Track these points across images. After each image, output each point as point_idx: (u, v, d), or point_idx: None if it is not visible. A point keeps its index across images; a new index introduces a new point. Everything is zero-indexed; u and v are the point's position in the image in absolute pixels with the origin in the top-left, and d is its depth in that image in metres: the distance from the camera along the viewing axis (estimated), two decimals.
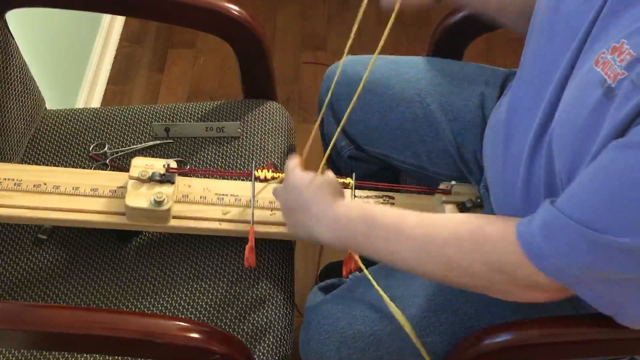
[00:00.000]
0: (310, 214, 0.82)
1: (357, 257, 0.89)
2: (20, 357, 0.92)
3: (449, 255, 0.74)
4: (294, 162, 0.87)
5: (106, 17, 2.03)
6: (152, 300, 0.98)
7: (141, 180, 0.95)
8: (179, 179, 0.99)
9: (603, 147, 0.64)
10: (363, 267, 0.87)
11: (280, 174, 0.98)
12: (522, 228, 0.70)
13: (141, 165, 0.96)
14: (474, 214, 0.80)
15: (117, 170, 1.10)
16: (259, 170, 0.98)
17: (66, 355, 0.93)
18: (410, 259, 0.77)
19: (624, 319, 0.74)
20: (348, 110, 0.88)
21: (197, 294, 0.98)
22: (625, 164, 0.61)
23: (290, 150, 1.19)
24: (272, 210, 0.98)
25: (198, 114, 1.20)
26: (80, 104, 1.78)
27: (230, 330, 0.95)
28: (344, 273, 0.97)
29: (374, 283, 0.84)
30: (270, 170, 0.98)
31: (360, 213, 0.79)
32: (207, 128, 1.15)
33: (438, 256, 0.75)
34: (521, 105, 0.83)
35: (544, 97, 0.77)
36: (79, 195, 0.97)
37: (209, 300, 0.98)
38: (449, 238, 0.74)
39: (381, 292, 0.83)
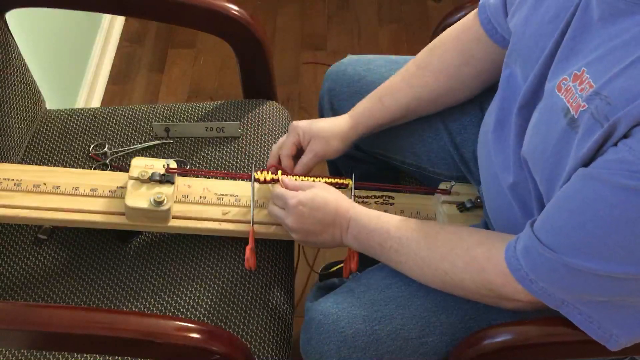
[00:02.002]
0: (341, 228, 0.90)
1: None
2: (20, 357, 0.92)
3: (444, 270, 0.81)
4: (291, 192, 0.92)
5: (106, 17, 2.03)
6: (152, 300, 0.98)
7: (141, 181, 0.95)
8: (178, 179, 0.99)
9: (572, 174, 0.68)
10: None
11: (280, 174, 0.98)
12: (509, 254, 0.75)
13: (141, 165, 0.96)
14: (469, 229, 0.86)
15: (117, 170, 1.10)
16: (259, 172, 0.98)
17: (66, 355, 0.93)
18: (414, 269, 0.85)
19: (615, 347, 0.76)
20: None
21: (197, 294, 0.98)
22: (589, 196, 0.65)
23: None
24: None
25: (198, 114, 1.20)
26: (80, 104, 1.78)
27: (230, 330, 0.95)
28: (345, 273, 0.97)
29: None
30: (270, 172, 0.98)
31: (377, 226, 0.87)
32: (207, 128, 1.15)
33: (437, 270, 0.82)
34: (506, 117, 0.86)
35: (513, 113, 0.82)
36: (78, 195, 0.97)
37: (209, 300, 0.98)
38: (446, 255, 0.81)
39: None
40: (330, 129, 0.99)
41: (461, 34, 0.98)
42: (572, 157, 0.68)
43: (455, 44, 0.98)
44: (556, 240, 0.70)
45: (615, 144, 0.64)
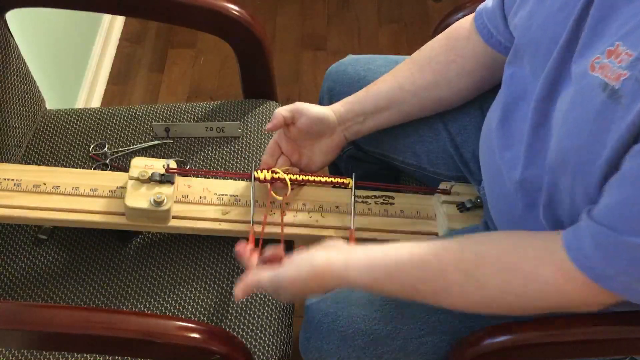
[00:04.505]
0: (328, 286, 0.80)
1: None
2: (20, 357, 0.92)
3: (506, 303, 0.75)
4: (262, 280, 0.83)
5: (106, 17, 2.03)
6: (152, 300, 0.98)
7: (141, 181, 0.95)
8: (178, 179, 0.99)
9: (618, 151, 0.65)
10: None
11: (280, 174, 0.98)
12: (574, 254, 0.69)
13: (141, 165, 0.96)
14: (494, 239, 0.79)
15: (117, 170, 1.10)
16: (259, 171, 0.98)
17: (66, 355, 0.93)
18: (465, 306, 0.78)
19: None
20: None
21: (197, 294, 0.99)
22: None
23: None
24: (272, 210, 0.98)
25: (198, 114, 1.20)
26: (80, 104, 1.78)
27: (230, 330, 0.95)
28: None
29: None
30: (270, 171, 0.98)
31: (358, 280, 0.78)
32: (207, 128, 1.15)
33: (492, 303, 0.75)
34: (512, 113, 0.85)
35: (529, 106, 0.79)
36: (78, 195, 0.97)
37: (209, 300, 0.98)
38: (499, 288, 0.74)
39: None
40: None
41: (453, 32, 0.98)
42: (615, 130, 0.65)
43: (445, 41, 0.98)
44: (634, 226, 0.65)
45: None
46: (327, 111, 0.98)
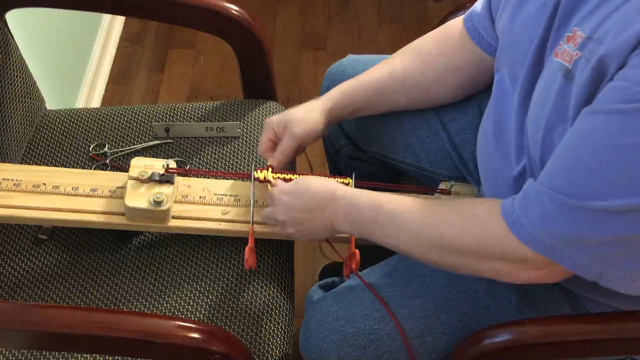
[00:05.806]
0: (329, 210, 0.86)
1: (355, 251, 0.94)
2: (20, 357, 0.92)
3: (442, 233, 0.77)
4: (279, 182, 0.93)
5: (106, 17, 2.03)
6: (152, 300, 0.98)
7: (140, 181, 0.95)
8: (178, 179, 0.99)
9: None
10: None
11: (280, 174, 0.98)
12: (506, 202, 0.74)
13: (140, 165, 0.96)
14: (467, 198, 0.85)
15: (117, 170, 1.10)
16: (258, 171, 0.98)
17: (66, 356, 0.93)
18: (409, 241, 0.81)
19: (609, 283, 0.74)
20: None
21: (197, 294, 0.99)
22: (585, 130, 0.65)
23: None
24: None
25: (198, 114, 1.20)
26: (80, 104, 1.78)
27: (230, 330, 0.95)
28: (345, 272, 0.97)
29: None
30: (270, 171, 0.98)
31: (368, 202, 0.84)
32: (207, 128, 1.15)
33: (433, 235, 0.78)
34: (501, 117, 0.85)
35: (512, 107, 0.81)
36: (78, 195, 0.97)
37: (209, 300, 0.98)
38: (443, 218, 0.79)
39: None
40: (304, 109, 0.98)
41: (445, 30, 1.00)
42: (572, 107, 0.67)
43: (438, 36, 1.00)
44: (555, 180, 0.68)
45: (612, 79, 0.63)
46: (316, 127, 0.97)
